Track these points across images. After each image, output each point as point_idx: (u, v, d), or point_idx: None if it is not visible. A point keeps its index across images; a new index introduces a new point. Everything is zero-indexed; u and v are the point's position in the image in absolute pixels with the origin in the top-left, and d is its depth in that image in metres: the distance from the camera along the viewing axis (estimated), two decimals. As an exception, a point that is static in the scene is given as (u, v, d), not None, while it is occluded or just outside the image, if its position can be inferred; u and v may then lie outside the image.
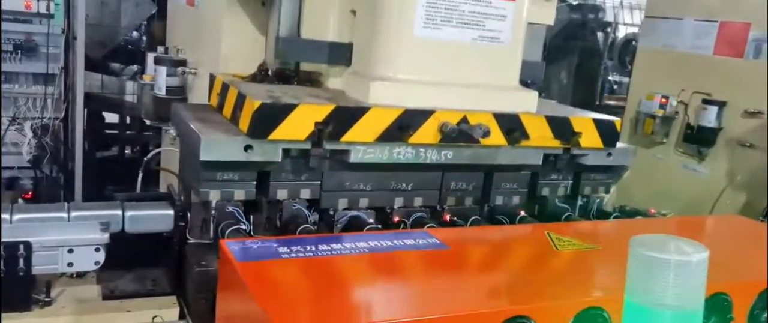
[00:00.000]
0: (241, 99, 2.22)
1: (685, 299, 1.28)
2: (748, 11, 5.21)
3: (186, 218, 2.31)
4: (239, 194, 2.23)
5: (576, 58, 7.15)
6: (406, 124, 2.28)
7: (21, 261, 2.01)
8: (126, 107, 5.29)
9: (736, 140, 5.30)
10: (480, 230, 2.42)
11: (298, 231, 2.19)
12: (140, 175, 2.92)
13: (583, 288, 1.84)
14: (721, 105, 5.34)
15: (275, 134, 2.12)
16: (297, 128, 2.14)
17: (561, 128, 2.53)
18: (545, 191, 2.71)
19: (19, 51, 4.85)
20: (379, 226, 2.35)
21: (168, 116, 3.06)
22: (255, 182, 2.24)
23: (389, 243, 1.96)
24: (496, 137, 2.42)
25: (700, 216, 3.04)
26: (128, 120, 5.74)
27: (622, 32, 7.54)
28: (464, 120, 2.35)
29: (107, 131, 5.62)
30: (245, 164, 2.16)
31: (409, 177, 2.44)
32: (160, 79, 3.46)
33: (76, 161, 4.89)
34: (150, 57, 3.77)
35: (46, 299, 2.14)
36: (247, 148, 2.11)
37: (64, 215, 2.21)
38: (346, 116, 2.20)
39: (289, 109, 2.12)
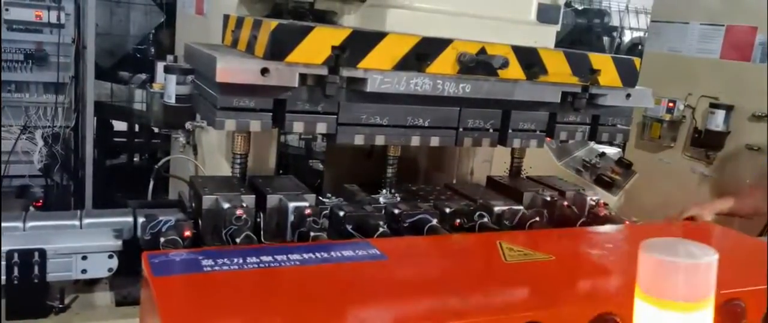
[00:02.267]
0: (257, 24, 2.21)
1: (695, 301, 1.28)
2: (755, 15, 5.25)
3: (198, 224, 2.26)
4: (255, 125, 2.19)
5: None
6: (424, 52, 2.26)
7: (36, 267, 2.01)
8: (135, 115, 5.31)
9: (744, 143, 5.28)
10: (425, 240, 2.28)
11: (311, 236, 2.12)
12: (151, 182, 2.90)
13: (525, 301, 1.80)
14: (729, 109, 5.34)
15: (292, 57, 2.09)
16: (314, 50, 2.12)
17: (580, 64, 2.51)
18: (563, 135, 2.66)
19: (30, 60, 4.90)
20: (388, 231, 2.28)
21: (178, 124, 3.05)
22: (271, 114, 2.21)
23: (324, 255, 1.88)
24: (515, 70, 2.39)
25: (660, 222, 3.01)
26: (137, 128, 5.75)
27: (627, 37, 7.59)
28: (483, 51, 2.33)
29: (116, 139, 5.61)
30: (261, 90, 2.13)
31: (427, 112, 2.40)
32: (169, 87, 3.45)
33: (86, 169, 4.88)
34: (159, 65, 3.78)
35: (61, 305, 2.12)
36: (264, 71, 2.08)
37: (77, 222, 2.22)
38: (363, 41, 2.18)
39: (306, 31, 2.10)
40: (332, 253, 1.89)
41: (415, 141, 2.42)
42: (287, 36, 2.09)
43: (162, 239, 2.02)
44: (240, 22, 2.40)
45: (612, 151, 5.97)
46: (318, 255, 1.88)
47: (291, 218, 2.21)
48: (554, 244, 2.23)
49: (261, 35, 2.14)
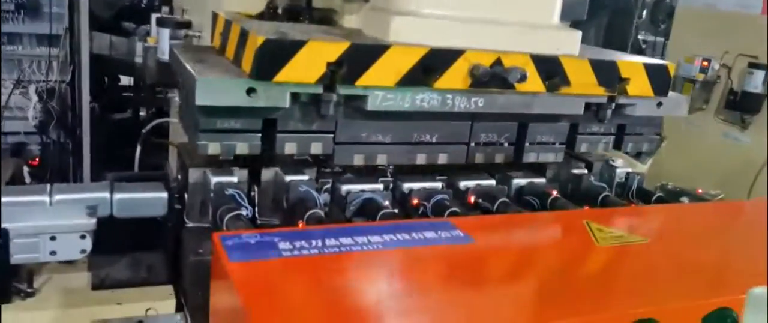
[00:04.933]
0: (244, 36, 1.95)
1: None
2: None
3: (183, 199, 2.07)
4: (242, 148, 1.97)
5: (606, 18, 6.75)
6: (431, 65, 2.00)
7: None
8: (136, 69, 5.05)
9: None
10: (508, 220, 2.11)
11: (306, 217, 1.94)
12: (138, 150, 2.67)
13: (634, 296, 1.57)
14: (769, 69, 5.01)
15: (282, 76, 1.85)
16: (306, 68, 1.87)
17: (607, 73, 2.23)
18: (584, 147, 2.41)
19: (22, 10, 4.63)
20: (396, 211, 2.10)
21: (173, 82, 2.81)
22: (260, 134, 1.98)
23: (406, 237, 1.70)
24: (534, 83, 2.13)
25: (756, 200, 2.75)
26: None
27: (656, -11, 7.12)
28: (498, 62, 2.06)
29: (122, 94, 5.37)
30: (248, 110, 1.90)
31: (434, 128, 2.16)
32: (162, 42, 3.19)
33: (83, 125, 4.68)
34: (154, 18, 3.52)
35: (29, 290, 1.95)
36: (250, 91, 1.84)
37: (46, 198, 1.99)
38: (362, 55, 1.92)
39: (297, 46, 1.85)
40: (414, 234, 1.73)
41: (421, 159, 2.20)
42: (276, 53, 1.83)
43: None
44: (227, 25, 2.13)
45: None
46: (399, 236, 1.71)
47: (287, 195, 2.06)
48: (643, 224, 2.07)
49: (247, 51, 1.89)
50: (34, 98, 4.67)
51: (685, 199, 2.48)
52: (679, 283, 1.65)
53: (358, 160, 2.10)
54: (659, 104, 2.38)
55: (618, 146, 2.47)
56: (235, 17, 2.21)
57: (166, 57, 3.19)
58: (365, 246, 1.64)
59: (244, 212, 1.94)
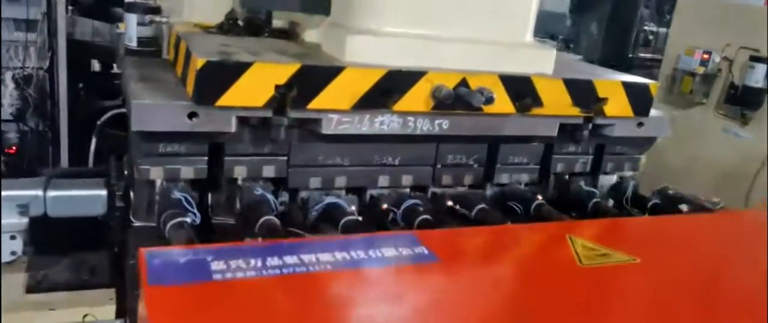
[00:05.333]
0: (188, 55, 1.82)
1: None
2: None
3: (128, 197, 1.94)
4: (187, 172, 1.85)
5: (608, 7, 6.55)
6: (390, 88, 1.87)
7: None
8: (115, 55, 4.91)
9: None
10: (478, 234, 1.92)
11: (257, 226, 1.79)
12: (93, 142, 2.54)
13: None
14: (772, 63, 4.84)
15: (225, 99, 1.72)
16: (253, 91, 1.74)
17: (582, 93, 2.10)
18: (560, 167, 2.29)
19: (-2, -6, 4.48)
20: (359, 219, 1.94)
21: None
22: (206, 158, 1.86)
23: (361, 255, 1.52)
24: (503, 104, 2.00)
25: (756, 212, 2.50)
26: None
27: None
28: (463, 83, 1.93)
29: (117, 81, 5.21)
30: (192, 134, 1.78)
31: (396, 150, 2.04)
32: (130, 28, 3.04)
33: (60, 113, 4.57)
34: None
35: None
36: (192, 115, 1.72)
37: None
38: (313, 77, 1.79)
39: (241, 68, 1.72)
40: (371, 252, 1.55)
41: (384, 181, 2.07)
42: (218, 76, 1.70)
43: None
44: (178, 41, 2.00)
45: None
46: (353, 254, 1.53)
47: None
48: (634, 240, 1.87)
49: (190, 72, 1.76)
50: (11, 85, 4.55)
51: (684, 207, 2.29)
52: (673, 312, 1.48)
53: (314, 183, 1.98)
54: (640, 124, 2.24)
55: (596, 166, 2.34)
56: (187, 31, 2.08)
57: (133, 44, 3.05)
58: (312, 267, 1.46)
59: (188, 220, 1.78)
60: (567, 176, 2.35)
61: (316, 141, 1.93)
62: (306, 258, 1.48)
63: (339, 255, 1.51)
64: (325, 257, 1.49)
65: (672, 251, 1.82)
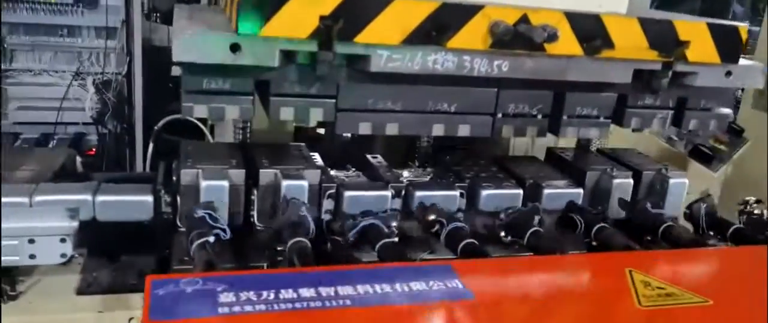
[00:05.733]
0: (230, -14, 1.77)
1: None
2: None
3: (175, 202, 1.92)
4: (232, 111, 1.78)
5: (699, 2, 6.19)
6: (444, 22, 1.74)
7: None
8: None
9: None
10: (521, 266, 1.71)
11: (288, 247, 1.70)
12: (150, 148, 2.53)
13: None
14: None
15: (269, 29, 1.64)
16: (296, 21, 1.65)
17: (661, 34, 1.90)
18: (635, 123, 2.08)
19: (81, 3, 4.68)
20: (396, 240, 1.80)
21: None
22: (251, 97, 1.79)
23: (386, 289, 1.37)
24: (569, 44, 1.84)
25: None
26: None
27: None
28: (524, 19, 1.79)
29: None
30: (237, 69, 1.71)
31: (452, 95, 1.90)
32: None
33: (135, 116, 4.69)
34: None
35: (11, 293, 1.83)
36: (235, 47, 1.65)
37: (26, 199, 1.89)
38: (360, 8, 1.69)
39: (284, -6, 1.64)
40: (397, 286, 1.40)
41: (439, 130, 1.94)
42: (261, 3, 1.63)
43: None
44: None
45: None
46: (377, 288, 1.38)
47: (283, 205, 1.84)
48: (705, 276, 1.62)
49: (233, 3, 1.70)
50: (91, 90, 4.72)
51: None
52: None
53: (364, 129, 1.87)
54: (728, 73, 2.02)
55: (677, 122, 2.12)
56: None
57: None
58: (329, 302, 1.32)
59: (211, 239, 1.69)
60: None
61: (365, 82, 1.82)
62: (324, 291, 1.35)
63: (361, 289, 1.38)
64: (345, 290, 1.36)
65: (753, 291, 1.54)
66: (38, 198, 1.90)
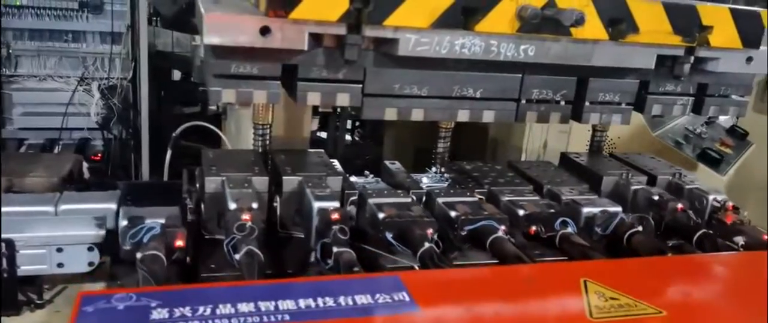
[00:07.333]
0: (261, -31, 1.77)
1: None
2: None
3: (199, 210, 1.91)
4: (259, 96, 1.78)
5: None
6: (472, 5, 1.75)
7: (4, 261, 1.72)
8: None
9: None
10: (477, 277, 1.66)
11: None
12: (168, 154, 2.53)
13: None
14: None
15: (299, 11, 1.64)
16: (327, 3, 1.65)
17: (684, 19, 1.92)
18: (656, 109, 2.09)
19: (86, 9, 4.69)
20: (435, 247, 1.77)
21: None
22: (278, 81, 1.79)
23: (330, 303, 1.34)
24: (595, 28, 1.84)
25: None
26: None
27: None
28: (551, 3, 1.79)
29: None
30: (265, 53, 1.71)
31: (478, 81, 1.91)
32: None
33: (141, 121, 4.67)
34: None
35: (39, 301, 1.83)
36: (264, 31, 1.65)
37: (51, 208, 1.90)
38: (391, -11, 1.69)
39: (315, -23, 1.64)
40: (341, 300, 1.38)
41: (464, 116, 1.94)
42: (292, -15, 1.63)
43: (139, 255, 1.63)
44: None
45: (723, 116, 5.07)
46: (321, 303, 1.36)
47: (315, 220, 1.81)
48: (661, 284, 1.55)
49: (262, -16, 1.70)
50: (97, 95, 4.71)
51: (740, 240, 1.94)
52: None
53: (389, 114, 1.87)
54: (749, 59, 2.03)
55: (697, 108, 2.13)
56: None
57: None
58: (267, 317, 1.29)
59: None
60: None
61: (392, 66, 1.82)
62: (263, 306, 1.33)
63: (303, 303, 1.35)
64: (285, 304, 1.33)
65: (710, 301, 1.51)
66: (63, 207, 1.90)
